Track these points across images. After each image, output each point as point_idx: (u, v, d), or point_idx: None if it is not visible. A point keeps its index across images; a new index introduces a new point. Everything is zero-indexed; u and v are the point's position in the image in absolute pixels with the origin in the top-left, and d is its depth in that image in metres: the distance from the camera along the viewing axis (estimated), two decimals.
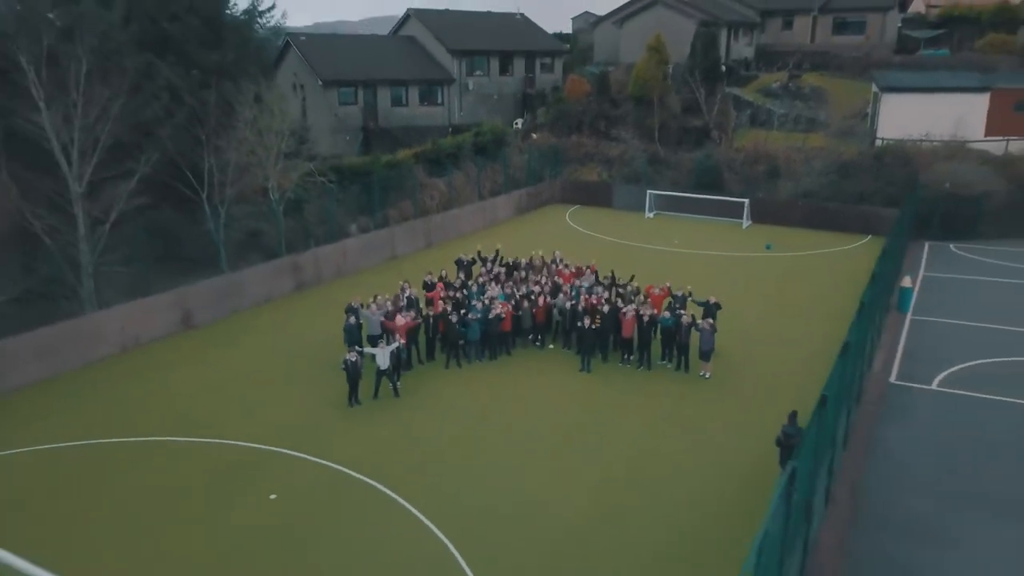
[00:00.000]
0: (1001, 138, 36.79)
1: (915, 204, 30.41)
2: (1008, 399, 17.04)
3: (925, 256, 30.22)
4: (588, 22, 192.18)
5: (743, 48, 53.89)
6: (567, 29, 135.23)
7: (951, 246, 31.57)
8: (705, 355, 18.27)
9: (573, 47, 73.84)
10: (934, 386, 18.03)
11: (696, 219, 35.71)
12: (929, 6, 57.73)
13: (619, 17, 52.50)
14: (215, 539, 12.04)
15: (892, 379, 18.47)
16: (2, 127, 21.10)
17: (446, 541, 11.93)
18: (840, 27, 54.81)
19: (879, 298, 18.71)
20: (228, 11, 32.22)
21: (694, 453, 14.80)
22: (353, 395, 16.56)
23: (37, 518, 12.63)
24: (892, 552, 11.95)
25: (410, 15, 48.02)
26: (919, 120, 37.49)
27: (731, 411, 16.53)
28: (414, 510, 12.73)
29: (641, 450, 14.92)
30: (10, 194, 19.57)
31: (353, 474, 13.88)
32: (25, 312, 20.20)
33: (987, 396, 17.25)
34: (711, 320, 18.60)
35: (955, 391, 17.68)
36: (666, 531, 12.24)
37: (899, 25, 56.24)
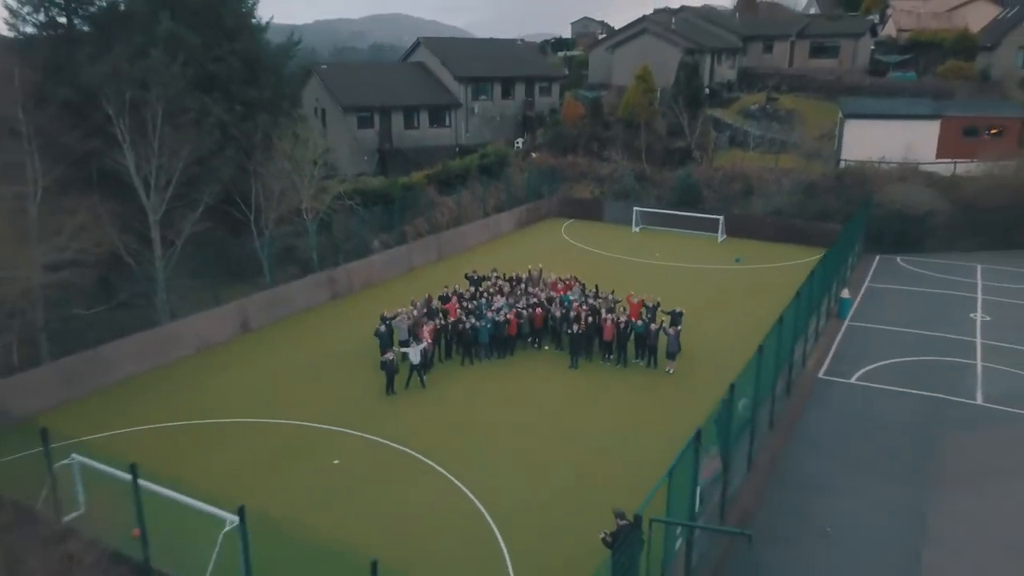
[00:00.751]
0: (950, 161, 41.20)
1: (862, 222, 34.72)
2: (905, 389, 21.48)
3: (873, 268, 34.64)
4: (587, 27, 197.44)
5: (726, 71, 58.33)
6: (567, 34, 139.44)
7: (898, 259, 35.98)
8: (671, 355, 22.70)
9: (570, 55, 77.97)
10: (853, 380, 22.47)
11: (677, 233, 40.05)
12: (900, 30, 62.13)
13: (611, 44, 56.94)
14: (295, 493, 16.38)
15: (820, 375, 22.92)
16: (96, 167, 25.45)
17: (467, 492, 16.33)
18: (816, 51, 59.26)
19: (811, 310, 23.03)
20: (262, 47, 36.63)
21: (656, 429, 19.17)
22: (390, 386, 20.99)
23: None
24: (793, 501, 16.37)
25: (420, 43, 52.46)
26: (878, 144, 41.92)
27: (687, 399, 20.85)
28: (442, 470, 17.16)
29: (615, 427, 19.32)
30: (103, 223, 23.88)
31: (394, 445, 18.32)
32: (112, 320, 24.60)
33: (890, 387, 21.69)
34: (677, 327, 23.04)
35: (868, 384, 22.12)
36: (628, 482, 16.59)
37: (872, 48, 60.69)
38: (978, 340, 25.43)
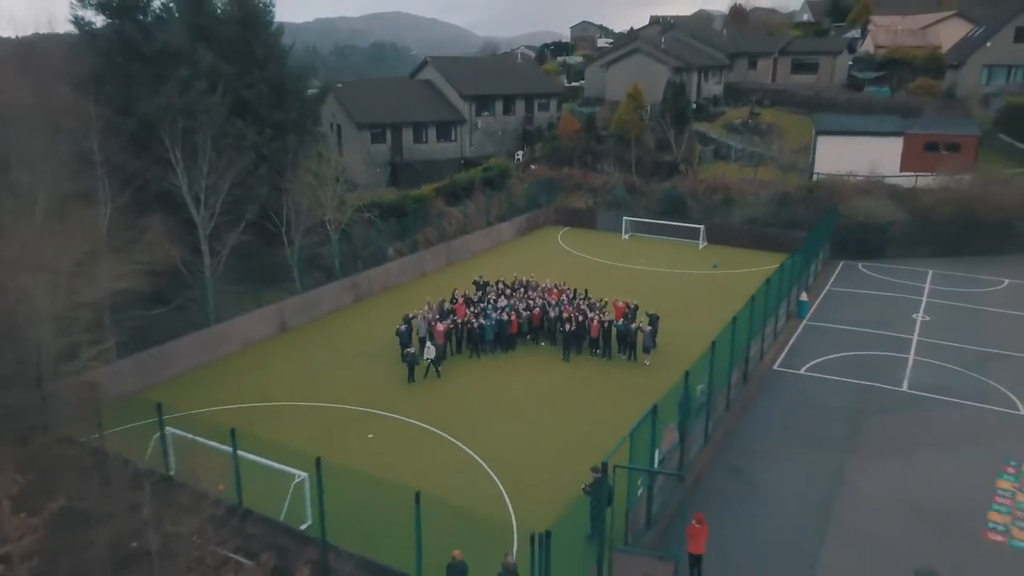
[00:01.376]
0: (912, 174, 45.23)
1: (825, 232, 38.68)
2: (844, 379, 25.52)
3: (836, 273, 38.65)
4: (586, 31, 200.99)
5: (713, 87, 62.33)
6: (566, 31, 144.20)
7: (860, 265, 39.97)
8: (647, 350, 26.74)
9: (569, 62, 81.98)
10: (802, 371, 26.52)
11: (662, 240, 44.01)
12: (877, 47, 66.08)
13: (605, 62, 60.95)
14: (340, 457, 20.27)
15: (775, 367, 26.96)
16: (155, 189, 29.47)
17: (479, 460, 20.35)
18: (797, 67, 63.27)
19: (767, 312, 26.97)
20: (287, 73, 40.53)
21: (631, 410, 22.96)
22: (411, 376, 25.05)
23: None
24: (739, 465, 20.41)
25: (427, 62, 56.48)
26: (848, 158, 45.97)
27: (659, 386, 24.58)
28: (457, 442, 21.20)
29: (598, 409, 23.32)
30: (162, 238, 27.84)
31: (417, 423, 22.36)
32: (167, 321, 28.61)
33: (832, 377, 25.74)
34: (651, 327, 27.07)
35: (813, 374, 26.17)
36: (606, 450, 20.57)
37: (850, 64, 64.67)
38: (915, 337, 29.47)
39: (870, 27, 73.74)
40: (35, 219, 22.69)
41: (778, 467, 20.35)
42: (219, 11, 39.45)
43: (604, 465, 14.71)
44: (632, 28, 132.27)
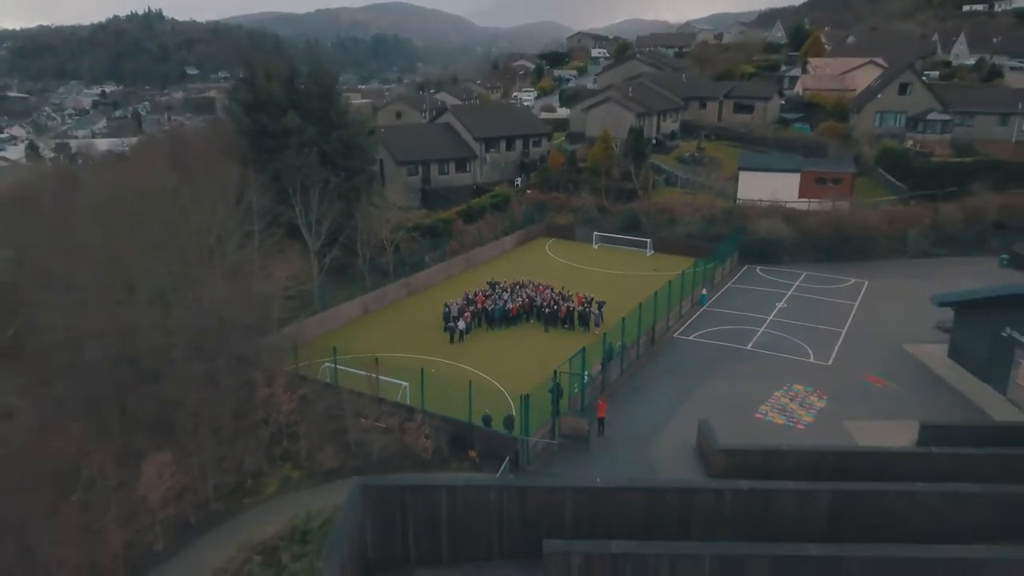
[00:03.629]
0: (807, 200, 61.58)
1: (733, 245, 55.16)
2: (714, 342, 42.03)
3: (739, 275, 55.10)
4: (580, 42, 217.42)
5: (670, 125, 78.62)
6: (564, 22, 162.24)
7: (758, 269, 56.43)
8: (596, 324, 43.30)
9: (565, 76, 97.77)
10: (691, 338, 43.04)
11: (621, 249, 60.42)
12: (805, 89, 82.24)
13: (585, 107, 77.32)
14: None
15: (675, 336, 43.50)
16: (285, 224, 45.98)
17: (494, 381, 36.90)
18: (738, 108, 79.47)
19: (670, 302, 43.41)
20: (353, 129, 56.88)
21: None
22: (451, 340, 41.63)
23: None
24: (639, 386, 36.96)
25: (447, 109, 72.84)
26: (761, 188, 62.30)
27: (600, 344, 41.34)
28: (481, 372, 37.73)
29: (564, 355, 39.71)
30: (291, 256, 44.24)
31: (458, 364, 38.90)
32: (288, 308, 45.10)
33: (707, 341, 42.26)
34: (599, 309, 43.65)
35: (698, 340, 42.68)
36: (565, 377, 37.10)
37: (781, 104, 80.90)
38: (770, 317, 46.00)
39: (808, 68, 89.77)
40: (233, 249, 39.42)
41: (660, 387, 36.91)
42: (303, 87, 55.84)
43: (556, 372, 31.32)
44: (629, 43, 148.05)
